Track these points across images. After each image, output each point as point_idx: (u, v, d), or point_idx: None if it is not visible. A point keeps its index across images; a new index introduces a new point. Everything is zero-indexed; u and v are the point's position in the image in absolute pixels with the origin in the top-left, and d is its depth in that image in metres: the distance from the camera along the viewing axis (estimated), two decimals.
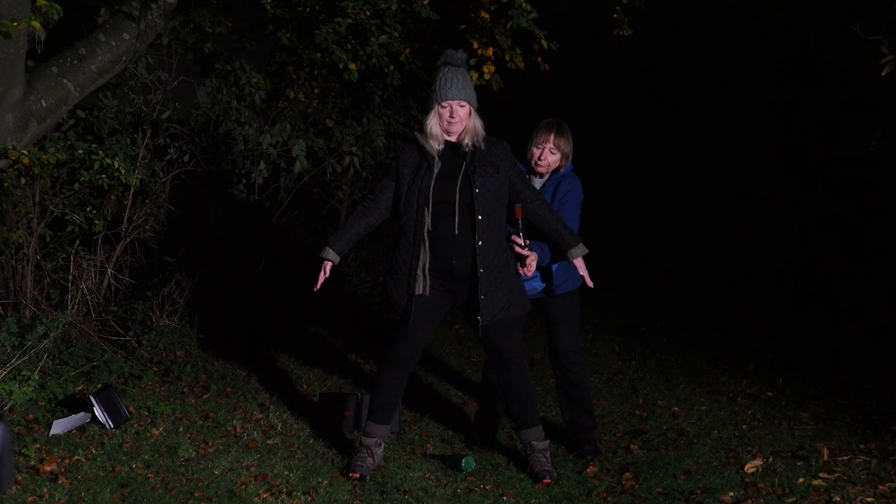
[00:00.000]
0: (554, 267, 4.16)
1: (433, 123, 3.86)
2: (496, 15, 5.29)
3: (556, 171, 4.21)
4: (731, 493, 3.66)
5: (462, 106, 3.83)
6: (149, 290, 5.79)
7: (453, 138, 3.88)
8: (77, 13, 5.53)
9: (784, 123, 9.64)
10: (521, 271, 3.94)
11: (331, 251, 3.94)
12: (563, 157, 4.19)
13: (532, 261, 3.92)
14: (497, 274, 3.85)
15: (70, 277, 5.43)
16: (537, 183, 4.20)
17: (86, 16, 5.61)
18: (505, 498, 3.75)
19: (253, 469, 3.94)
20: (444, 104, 3.83)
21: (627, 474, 3.96)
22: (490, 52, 5.41)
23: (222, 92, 6.74)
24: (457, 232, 3.83)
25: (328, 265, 3.94)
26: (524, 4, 5.14)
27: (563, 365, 4.33)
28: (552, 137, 4.15)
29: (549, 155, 4.15)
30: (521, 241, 3.89)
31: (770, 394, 5.24)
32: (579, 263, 3.95)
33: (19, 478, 3.66)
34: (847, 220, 8.81)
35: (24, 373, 4.51)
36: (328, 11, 5.51)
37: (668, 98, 10.83)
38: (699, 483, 3.80)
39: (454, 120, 3.83)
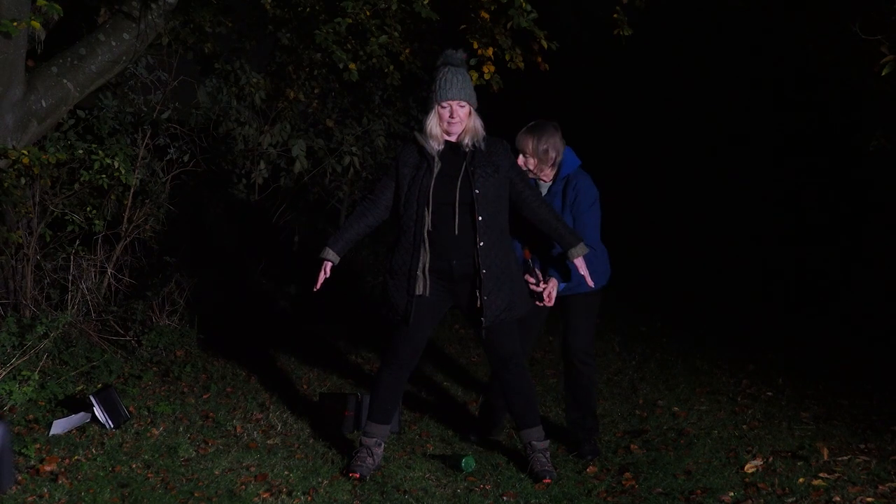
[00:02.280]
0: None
1: (433, 123, 3.86)
2: (496, 15, 5.29)
3: (558, 172, 4.20)
4: (731, 493, 3.66)
5: (462, 106, 3.83)
6: (149, 290, 5.79)
7: (453, 138, 3.88)
8: (77, 13, 5.52)
9: (784, 124, 9.64)
10: (541, 305, 4.06)
11: (330, 251, 3.94)
12: (543, 153, 4.14)
13: (552, 290, 4.02)
14: (499, 274, 3.85)
15: (70, 277, 5.43)
16: (544, 188, 4.20)
17: (86, 16, 5.60)
18: (505, 498, 3.75)
19: (253, 469, 3.94)
20: (444, 104, 3.83)
21: (627, 474, 3.96)
22: (490, 52, 5.41)
23: (222, 92, 6.74)
24: (457, 232, 3.83)
25: (328, 265, 3.94)
26: (524, 4, 5.13)
27: (575, 364, 4.33)
28: (525, 143, 4.14)
29: (529, 160, 4.14)
30: (533, 279, 4.03)
31: (770, 394, 5.24)
32: (580, 263, 3.95)
33: (19, 478, 3.66)
34: (847, 220, 8.81)
35: (24, 373, 4.51)
36: (328, 11, 5.51)
37: (667, 98, 10.83)
38: (699, 483, 3.79)
39: (454, 120, 3.83)
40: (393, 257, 3.94)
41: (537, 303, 4.04)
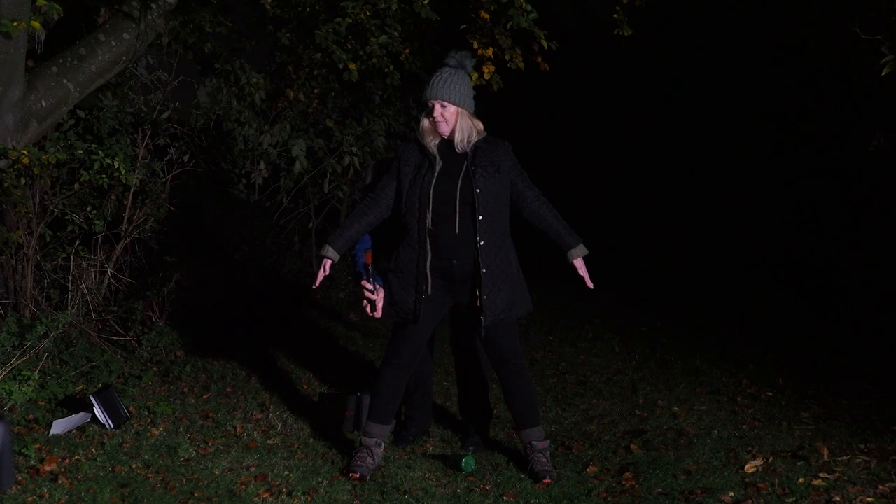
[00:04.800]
0: None
1: (425, 120, 3.90)
2: (496, 15, 5.30)
3: None
4: (731, 493, 3.66)
5: (443, 106, 3.85)
6: (149, 290, 5.79)
7: (446, 136, 3.89)
8: (77, 13, 5.53)
9: (784, 124, 9.65)
10: (371, 314, 4.06)
11: (331, 249, 3.93)
12: None
13: (380, 301, 4.01)
14: (499, 274, 3.85)
15: (70, 277, 5.43)
16: None
17: (86, 16, 5.61)
18: (505, 498, 3.74)
19: (253, 469, 3.94)
20: (428, 103, 3.87)
21: (627, 474, 3.96)
22: (490, 52, 5.41)
23: (222, 92, 6.75)
24: (457, 231, 3.83)
25: (328, 263, 3.94)
26: (524, 4, 5.14)
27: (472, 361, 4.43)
28: None
29: None
30: (370, 285, 4.00)
31: (770, 394, 5.24)
32: (579, 264, 3.94)
33: (19, 478, 3.66)
34: (847, 220, 8.82)
35: (24, 373, 4.51)
36: (328, 11, 5.51)
37: (667, 98, 10.84)
38: (699, 483, 3.79)
39: (437, 119, 3.86)
40: (397, 256, 3.94)
41: (368, 312, 4.08)
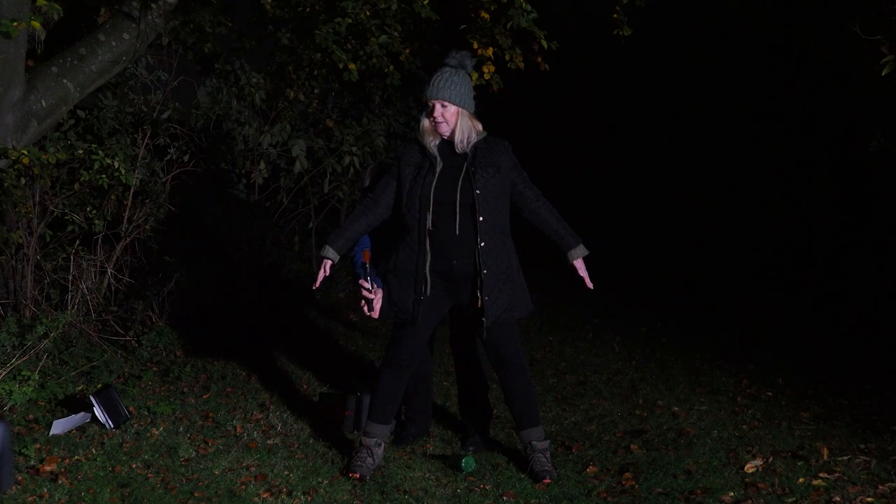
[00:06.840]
0: None
1: (425, 120, 3.89)
2: (496, 15, 5.30)
3: None
4: (731, 493, 3.66)
5: (444, 106, 3.84)
6: (149, 290, 5.79)
7: (446, 137, 3.89)
8: (77, 13, 5.53)
9: (784, 123, 9.65)
10: (368, 314, 4.04)
11: (331, 249, 3.93)
12: None
13: (378, 302, 3.99)
14: (500, 275, 3.85)
15: (70, 277, 5.43)
16: None
17: (86, 16, 5.61)
18: (505, 498, 3.75)
19: (253, 469, 3.94)
20: (429, 102, 3.86)
21: (627, 474, 3.96)
22: (490, 52, 5.41)
23: (222, 92, 6.74)
24: (458, 232, 3.83)
25: (328, 263, 3.94)
26: (524, 4, 5.14)
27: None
28: None
29: None
30: (368, 285, 3.98)
31: (770, 394, 5.24)
32: (579, 264, 3.94)
33: (19, 478, 3.66)
34: (847, 220, 8.82)
35: (24, 373, 4.51)
36: (328, 11, 5.51)
37: (668, 98, 10.83)
38: (699, 483, 3.79)
39: (437, 119, 3.85)
40: (396, 256, 3.94)
41: (366, 312, 4.07)
